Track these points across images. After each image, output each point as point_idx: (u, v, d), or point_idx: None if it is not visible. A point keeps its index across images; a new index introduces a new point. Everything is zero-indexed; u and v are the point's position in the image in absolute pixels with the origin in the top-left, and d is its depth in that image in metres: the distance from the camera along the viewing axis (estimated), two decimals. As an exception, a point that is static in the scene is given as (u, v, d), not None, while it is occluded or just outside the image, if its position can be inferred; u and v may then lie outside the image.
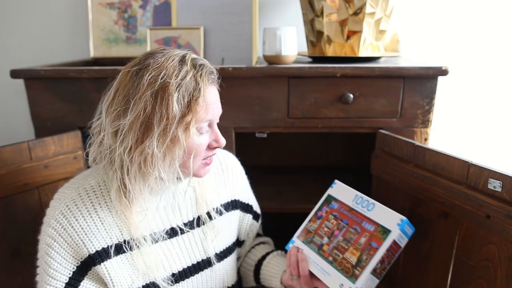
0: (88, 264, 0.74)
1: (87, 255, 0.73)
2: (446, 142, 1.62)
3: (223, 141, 0.76)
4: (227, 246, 0.91)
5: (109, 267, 0.74)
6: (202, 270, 0.86)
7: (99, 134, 0.72)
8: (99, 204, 0.74)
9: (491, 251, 0.78)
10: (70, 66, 1.26)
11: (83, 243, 0.72)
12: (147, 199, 0.76)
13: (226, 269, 0.90)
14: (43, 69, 1.12)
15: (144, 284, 0.77)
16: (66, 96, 1.13)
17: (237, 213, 0.93)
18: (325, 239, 0.82)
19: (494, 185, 0.76)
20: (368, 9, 1.14)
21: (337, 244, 0.80)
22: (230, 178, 0.92)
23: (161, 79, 0.66)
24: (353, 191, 0.85)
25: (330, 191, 0.89)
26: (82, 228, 0.72)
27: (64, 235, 0.72)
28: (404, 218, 0.75)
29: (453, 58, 1.55)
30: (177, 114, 0.67)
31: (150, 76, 0.66)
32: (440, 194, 0.89)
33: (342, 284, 0.75)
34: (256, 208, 1.00)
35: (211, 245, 0.86)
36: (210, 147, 0.75)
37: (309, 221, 0.88)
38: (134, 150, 0.67)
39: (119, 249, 0.75)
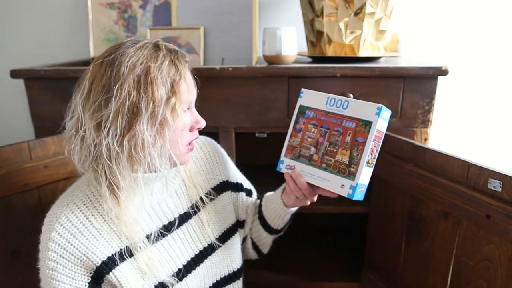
0: (101, 274, 0.73)
1: (95, 267, 0.72)
2: (446, 142, 1.62)
3: (203, 122, 0.78)
4: (226, 228, 0.90)
5: (118, 275, 0.73)
6: (206, 258, 0.86)
7: (77, 132, 0.70)
8: (92, 215, 0.73)
9: (491, 251, 0.78)
10: (70, 66, 1.25)
11: (87, 257, 0.71)
12: (139, 192, 0.73)
13: (229, 252, 0.90)
14: (43, 69, 1.12)
15: (153, 286, 0.77)
16: (66, 96, 1.12)
17: (229, 194, 0.93)
18: (312, 149, 0.82)
19: (494, 185, 0.76)
20: (368, 9, 1.14)
21: (325, 150, 0.80)
22: (214, 161, 0.92)
23: (141, 64, 0.67)
24: (324, 95, 0.83)
25: (300, 101, 0.86)
26: (81, 243, 0.71)
27: (65, 255, 0.70)
28: (379, 105, 0.74)
29: (453, 58, 1.55)
30: (163, 97, 0.67)
31: (130, 62, 0.66)
32: (440, 194, 0.89)
33: (343, 185, 0.76)
34: (247, 185, 0.99)
35: (209, 229, 0.86)
36: (191, 130, 0.77)
37: (290, 136, 0.86)
38: (123, 137, 0.67)
39: (123, 255, 0.74)
